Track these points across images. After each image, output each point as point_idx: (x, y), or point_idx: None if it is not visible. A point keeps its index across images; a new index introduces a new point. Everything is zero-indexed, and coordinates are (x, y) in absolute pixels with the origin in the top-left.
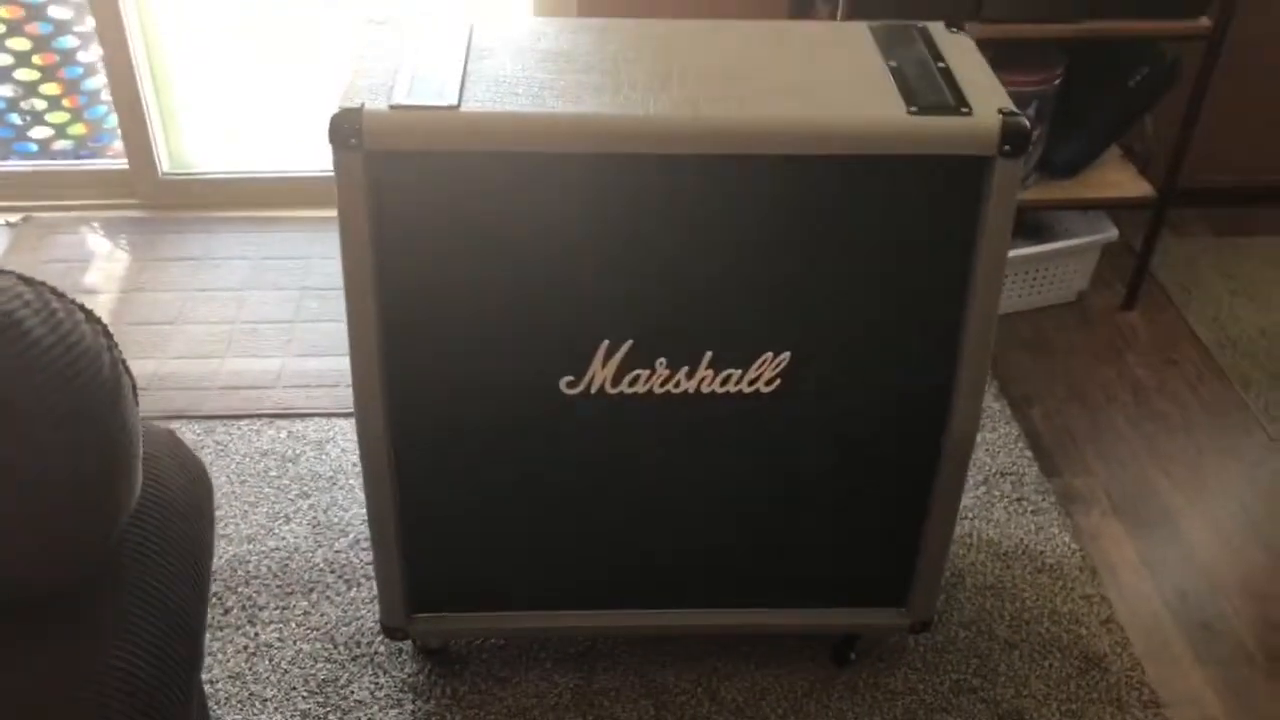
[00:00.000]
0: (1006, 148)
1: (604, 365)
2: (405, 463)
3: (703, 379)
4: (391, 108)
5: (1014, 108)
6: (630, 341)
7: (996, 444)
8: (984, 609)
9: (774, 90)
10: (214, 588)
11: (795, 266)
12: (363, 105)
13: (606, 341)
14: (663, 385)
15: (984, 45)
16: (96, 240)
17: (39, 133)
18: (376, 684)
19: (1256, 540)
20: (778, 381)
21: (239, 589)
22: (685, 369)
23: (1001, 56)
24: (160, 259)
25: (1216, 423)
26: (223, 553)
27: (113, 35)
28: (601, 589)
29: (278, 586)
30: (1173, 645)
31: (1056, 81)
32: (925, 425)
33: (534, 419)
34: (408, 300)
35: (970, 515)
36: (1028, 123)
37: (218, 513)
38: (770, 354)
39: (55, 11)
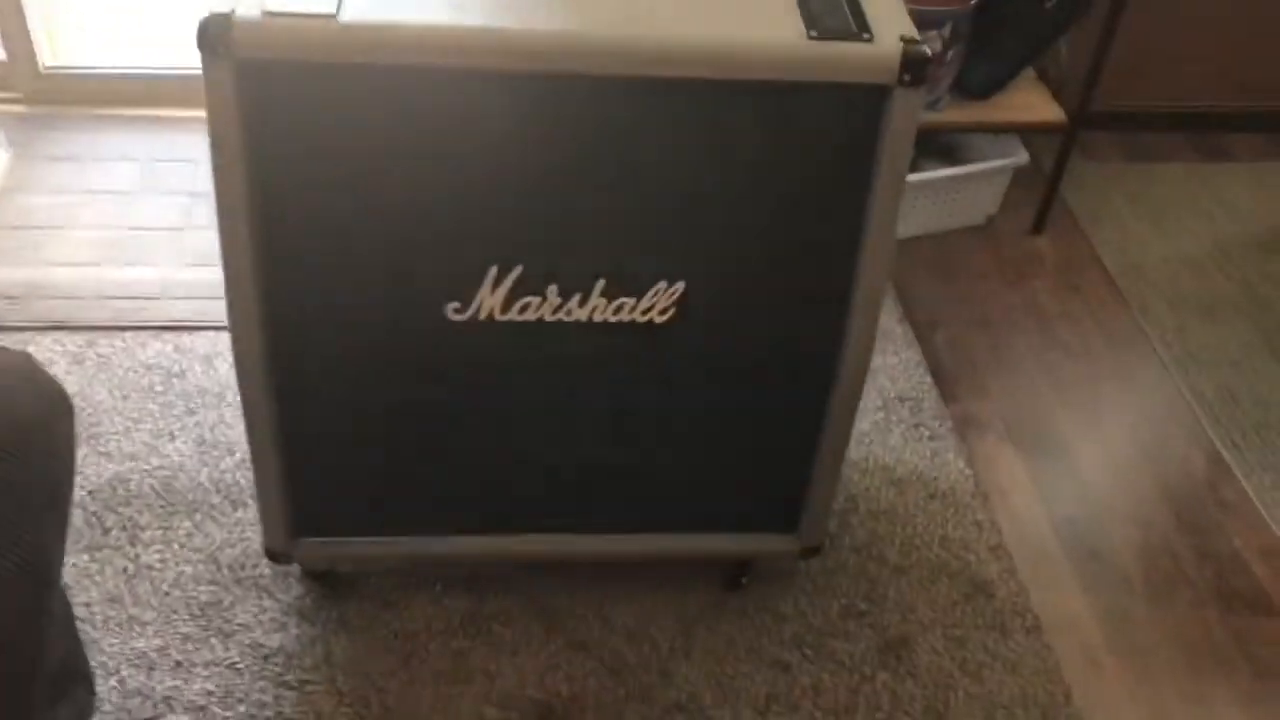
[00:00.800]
0: (906, 77)
1: (493, 292)
2: (285, 385)
3: (595, 308)
4: (265, 14)
5: (916, 35)
6: (520, 268)
7: (897, 369)
8: (875, 534)
9: (670, 11)
10: (93, 507)
11: (689, 194)
12: (233, 10)
13: (495, 268)
14: (554, 313)
15: None
16: None
17: None
18: (260, 607)
19: (1146, 469)
20: (671, 311)
21: (119, 509)
22: (577, 297)
23: None
24: (40, 157)
25: (1115, 351)
26: (103, 471)
27: None
28: (492, 515)
29: (160, 506)
30: (1059, 571)
31: (972, 1)
32: (819, 357)
33: (419, 345)
34: (284, 219)
35: (867, 440)
36: (929, 52)
37: (97, 429)
38: (664, 284)
39: None
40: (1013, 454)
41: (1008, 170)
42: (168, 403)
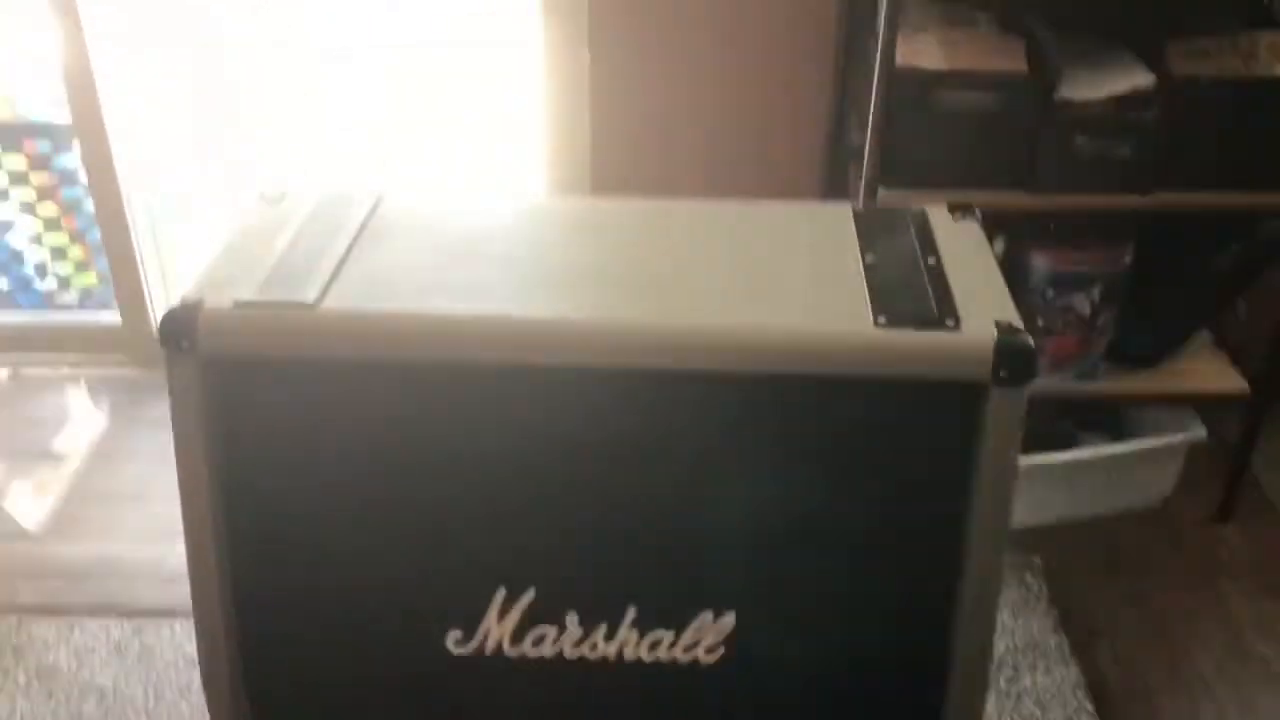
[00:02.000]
0: (1003, 373)
1: (500, 620)
2: (258, 702)
3: (624, 643)
4: (236, 305)
5: (1018, 321)
6: (532, 592)
7: (1049, 692)
8: None
9: (712, 292)
10: None
11: (736, 505)
12: (202, 300)
13: (503, 591)
14: (575, 647)
15: (1041, 218)
16: (79, 400)
17: (47, 283)
18: None
19: None
20: (720, 650)
21: None
22: (603, 629)
23: (1062, 231)
24: (142, 421)
25: None
26: None
27: (101, 176)
28: None
29: None
30: None
31: (1126, 259)
32: (914, 709)
33: (414, 682)
34: (257, 532)
35: None
36: (1032, 343)
37: None
38: (709, 614)
39: (65, 160)
40: None
41: (1181, 447)
42: (201, 705)
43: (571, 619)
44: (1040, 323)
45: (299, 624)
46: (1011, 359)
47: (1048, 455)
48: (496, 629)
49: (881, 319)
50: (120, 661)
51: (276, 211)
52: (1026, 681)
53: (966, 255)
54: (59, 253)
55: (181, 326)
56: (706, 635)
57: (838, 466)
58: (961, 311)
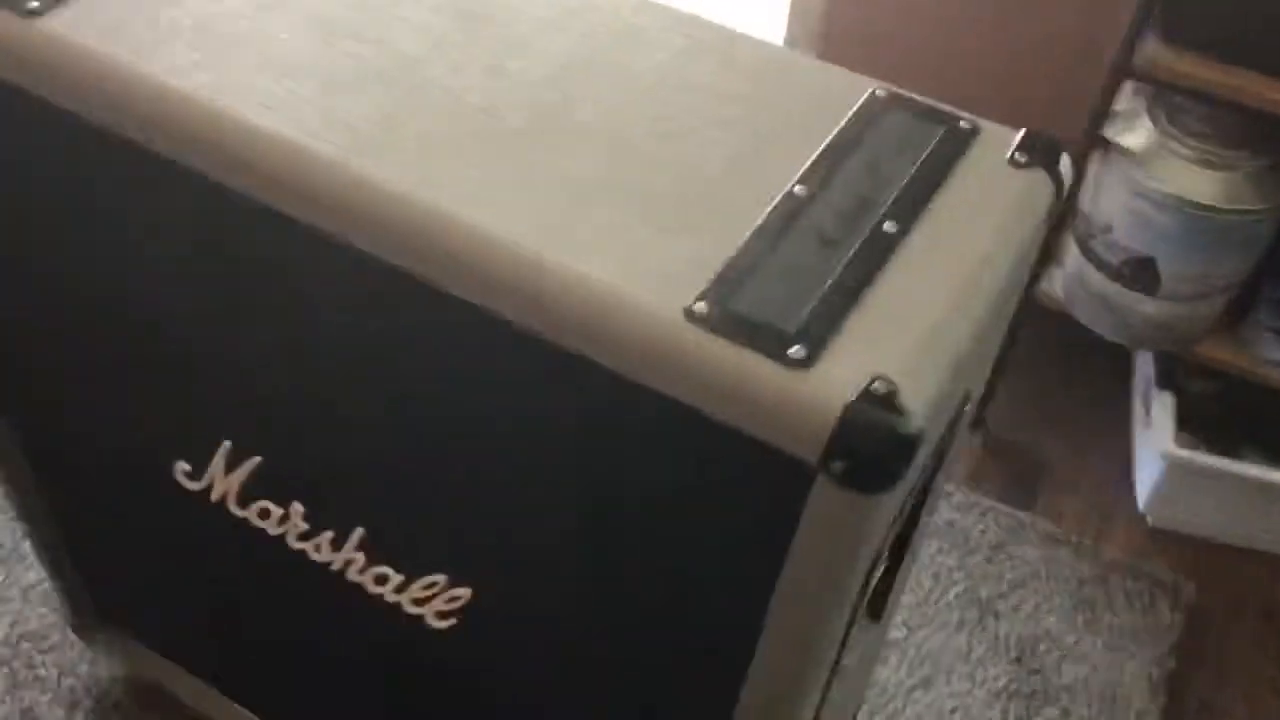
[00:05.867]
0: (838, 463)
1: (226, 474)
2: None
3: (350, 561)
4: None
5: (926, 387)
6: (258, 460)
7: None
8: None
9: (546, 180)
10: None
11: (495, 471)
12: None
13: (228, 444)
14: (299, 541)
15: None
16: None
17: None
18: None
19: None
20: (452, 620)
21: None
22: (329, 535)
23: None
24: None
25: None
26: None
27: None
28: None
29: None
30: None
31: None
32: None
33: (149, 495)
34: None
35: None
36: (912, 430)
37: None
38: (444, 577)
39: None
40: None
41: None
42: None
43: (296, 509)
44: None
45: (44, 397)
46: (858, 445)
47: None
48: (223, 481)
49: (700, 307)
50: None
51: None
52: None
53: (966, 237)
54: None
55: None
56: (438, 599)
57: (606, 468)
58: (840, 339)
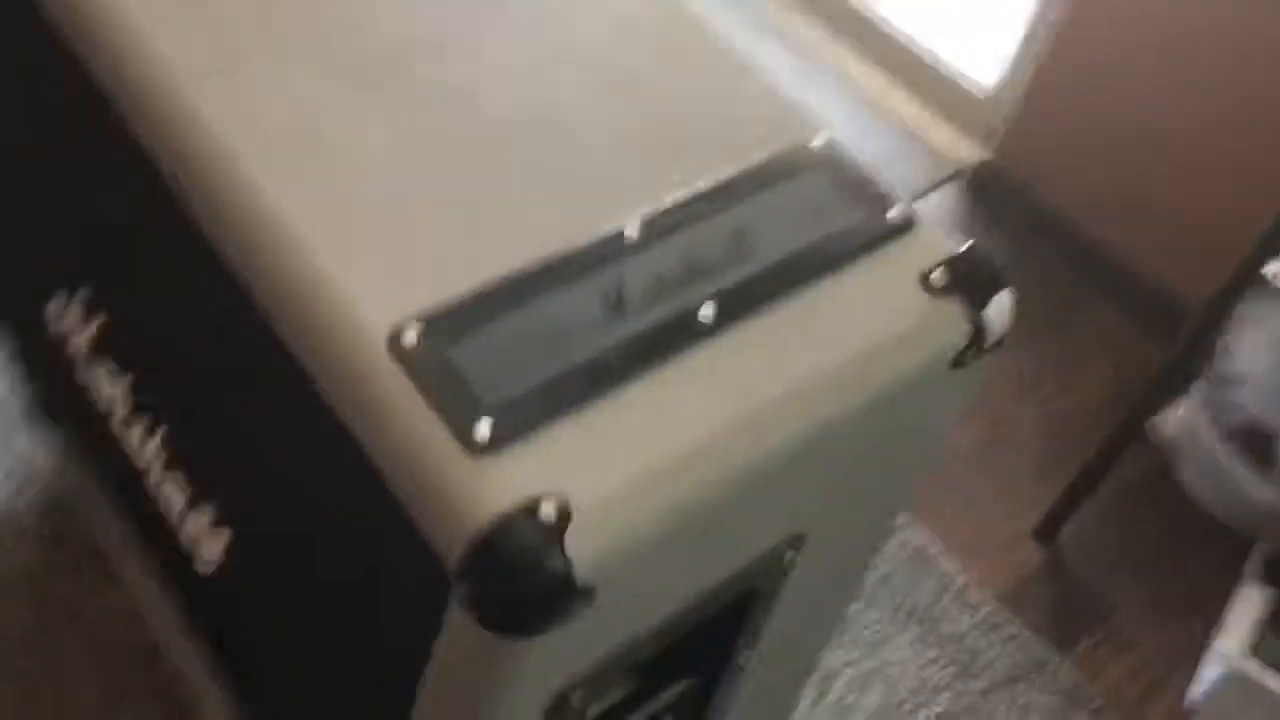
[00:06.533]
0: (464, 584)
1: (80, 327)
2: None
3: (153, 460)
4: None
5: (628, 526)
6: (104, 317)
7: None
8: None
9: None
10: None
11: (260, 416)
12: None
13: (85, 292)
14: (120, 425)
15: None
16: None
17: None
18: None
19: None
20: (216, 565)
21: None
22: (143, 423)
23: None
24: None
25: None
26: None
27: None
28: None
29: None
30: None
31: None
32: None
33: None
34: None
35: None
36: (569, 575)
37: None
38: (209, 515)
39: None
40: None
41: None
42: None
43: (123, 382)
44: None
45: None
46: (490, 569)
47: None
48: (78, 334)
49: (409, 335)
50: None
51: None
52: None
53: (802, 359)
54: None
55: None
56: (203, 538)
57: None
58: (543, 435)
